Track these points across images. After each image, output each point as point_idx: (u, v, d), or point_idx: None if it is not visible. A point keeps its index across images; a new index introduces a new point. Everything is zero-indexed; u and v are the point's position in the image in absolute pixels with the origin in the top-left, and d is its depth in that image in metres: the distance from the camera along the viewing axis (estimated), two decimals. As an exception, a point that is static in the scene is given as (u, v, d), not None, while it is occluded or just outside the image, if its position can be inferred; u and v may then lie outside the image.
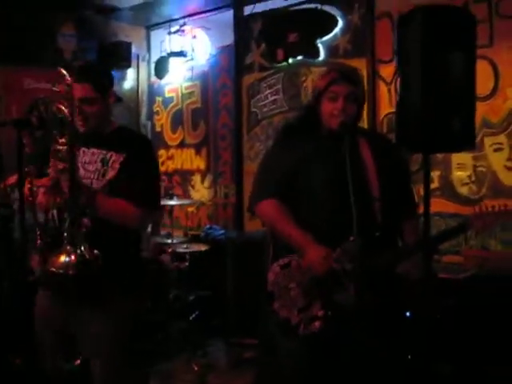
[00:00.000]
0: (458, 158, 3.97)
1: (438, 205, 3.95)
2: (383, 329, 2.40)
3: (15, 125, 2.02)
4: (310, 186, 2.40)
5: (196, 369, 4.07)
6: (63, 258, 2.04)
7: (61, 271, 2.04)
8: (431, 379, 2.80)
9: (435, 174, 4.05)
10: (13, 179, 3.05)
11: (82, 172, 2.39)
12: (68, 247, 2.05)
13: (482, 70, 3.57)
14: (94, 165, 2.43)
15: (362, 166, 2.38)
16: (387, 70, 4.30)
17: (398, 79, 2.69)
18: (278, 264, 2.40)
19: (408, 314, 3.30)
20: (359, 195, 2.19)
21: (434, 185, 4.03)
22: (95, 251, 2.13)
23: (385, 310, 2.38)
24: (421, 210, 2.82)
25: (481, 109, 3.62)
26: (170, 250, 4.37)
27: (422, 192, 2.47)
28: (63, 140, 2.15)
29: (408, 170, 2.66)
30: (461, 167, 3.99)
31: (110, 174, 2.41)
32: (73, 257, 2.05)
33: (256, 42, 5.25)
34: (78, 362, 2.39)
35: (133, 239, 2.56)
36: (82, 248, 2.07)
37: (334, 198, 2.36)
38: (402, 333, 3.13)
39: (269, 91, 5.14)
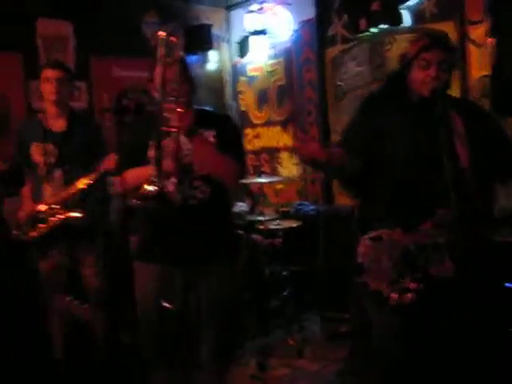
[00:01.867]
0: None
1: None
2: (480, 301, 2.33)
3: (115, 112, 2.11)
4: (399, 155, 2.35)
5: (292, 343, 4.12)
6: (146, 187, 2.14)
7: (139, 200, 2.14)
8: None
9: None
10: (108, 163, 3.20)
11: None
12: (152, 179, 2.16)
13: None
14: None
15: (452, 135, 2.30)
16: (478, 32, 4.09)
17: (491, 40, 2.58)
18: (369, 237, 2.38)
19: (508, 284, 3.19)
20: (450, 166, 2.12)
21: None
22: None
23: (482, 281, 2.31)
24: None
25: None
26: (262, 227, 4.42)
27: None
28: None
29: (503, 132, 2.51)
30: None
31: None
32: (155, 188, 2.14)
33: (337, 14, 5.15)
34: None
35: (227, 207, 2.81)
36: (163, 184, 2.20)
37: (424, 169, 2.31)
38: (502, 304, 3.04)
39: (353, 63, 5.05)
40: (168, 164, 2.26)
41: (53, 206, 3.31)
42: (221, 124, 2.65)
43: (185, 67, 2.53)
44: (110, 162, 3.19)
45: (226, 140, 2.58)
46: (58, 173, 3.38)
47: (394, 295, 2.29)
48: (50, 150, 3.39)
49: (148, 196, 2.16)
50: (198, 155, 2.49)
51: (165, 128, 2.24)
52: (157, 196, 2.17)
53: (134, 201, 2.26)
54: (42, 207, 3.33)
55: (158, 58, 2.24)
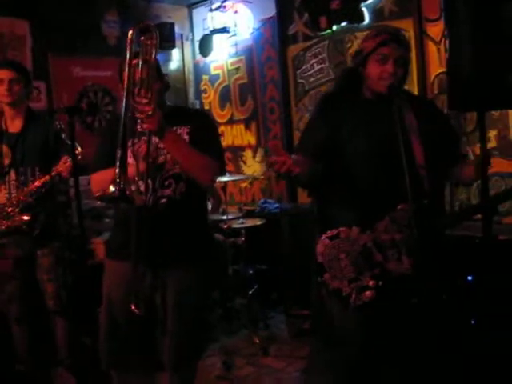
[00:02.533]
0: (515, 114, 3.82)
1: (497, 165, 3.80)
2: (441, 296, 2.35)
3: (67, 111, 2.07)
4: (357, 153, 2.35)
5: (257, 341, 4.12)
6: (110, 188, 2.12)
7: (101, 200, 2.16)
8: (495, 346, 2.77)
9: (492, 134, 3.92)
10: (61, 167, 3.13)
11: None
12: (116, 179, 2.13)
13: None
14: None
15: (407, 131, 2.32)
16: (435, 29, 4.15)
17: (448, 37, 2.61)
18: (327, 236, 2.38)
19: (470, 277, 3.25)
20: (407, 162, 2.14)
21: (492, 144, 3.89)
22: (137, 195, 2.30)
23: (441, 276, 2.34)
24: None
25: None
26: (225, 227, 4.40)
27: (478, 152, 2.42)
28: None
29: (449, 123, 2.58)
30: (519, 124, 3.84)
31: None
32: (116, 188, 2.13)
33: (298, 12, 5.16)
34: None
35: (202, 206, 2.77)
36: (126, 185, 2.16)
37: (382, 166, 2.32)
38: (461, 298, 3.09)
39: (314, 60, 5.07)
40: (140, 165, 2.26)
41: (5, 207, 3.23)
42: (196, 120, 2.61)
43: (157, 66, 2.48)
44: (64, 165, 3.12)
45: (202, 137, 2.53)
46: (12, 174, 3.30)
47: (354, 295, 2.31)
48: (5, 152, 3.31)
49: (111, 197, 2.13)
50: (171, 153, 2.46)
51: (136, 128, 2.21)
52: (120, 197, 2.13)
53: (99, 202, 2.22)
54: None
55: (126, 58, 2.20)
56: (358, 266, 2.32)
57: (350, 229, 2.34)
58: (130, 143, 2.37)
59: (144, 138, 2.42)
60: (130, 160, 2.37)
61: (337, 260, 2.34)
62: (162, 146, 2.46)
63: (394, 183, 2.23)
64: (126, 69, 2.20)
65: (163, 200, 2.49)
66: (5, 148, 3.31)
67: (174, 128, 2.50)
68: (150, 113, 2.20)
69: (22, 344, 3.49)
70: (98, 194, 2.19)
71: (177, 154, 2.44)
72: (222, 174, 2.74)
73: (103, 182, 2.29)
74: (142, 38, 2.25)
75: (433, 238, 2.23)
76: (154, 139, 2.39)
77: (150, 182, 2.46)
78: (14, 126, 3.37)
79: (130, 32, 2.20)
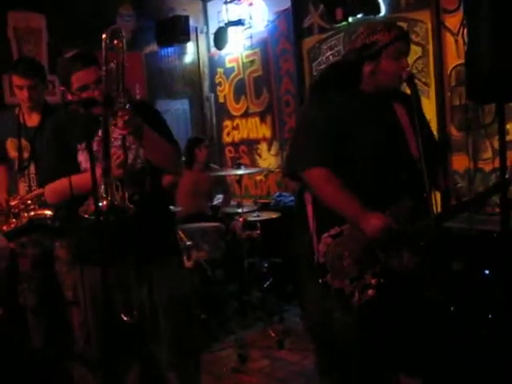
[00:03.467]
0: (534, 106, 3.76)
1: (515, 157, 3.78)
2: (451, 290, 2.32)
3: (83, 104, 2.07)
4: (361, 146, 2.30)
5: (273, 335, 4.12)
6: (95, 205, 2.04)
7: (92, 217, 2.06)
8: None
9: (511, 126, 3.87)
10: None
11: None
12: (100, 194, 2.07)
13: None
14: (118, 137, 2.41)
15: (402, 126, 2.31)
16: (453, 20, 4.10)
17: (466, 29, 2.58)
18: (330, 234, 2.31)
19: (487, 272, 3.22)
20: (408, 158, 2.13)
21: (510, 137, 3.85)
22: (127, 202, 2.18)
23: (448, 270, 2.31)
24: (496, 163, 2.74)
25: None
26: (241, 220, 4.40)
27: (496, 145, 2.40)
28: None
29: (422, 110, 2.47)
30: (538, 116, 3.79)
31: None
32: (105, 202, 2.07)
33: (313, 4, 5.13)
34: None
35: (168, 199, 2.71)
36: (113, 196, 2.09)
37: (386, 159, 2.29)
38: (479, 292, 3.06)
39: (330, 53, 5.04)
40: (118, 172, 2.18)
41: (26, 201, 3.26)
42: (143, 112, 2.47)
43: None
44: None
45: (154, 127, 2.44)
46: (31, 168, 3.34)
47: (357, 294, 2.27)
48: (24, 146, 3.34)
49: (101, 211, 2.08)
50: (145, 149, 2.40)
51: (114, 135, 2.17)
52: (109, 210, 2.07)
53: (87, 216, 2.14)
54: (15, 202, 3.28)
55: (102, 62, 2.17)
56: (361, 265, 2.28)
57: (353, 225, 2.28)
58: (83, 146, 2.32)
59: (97, 137, 2.30)
60: (87, 164, 2.30)
61: (339, 259, 2.28)
62: (132, 146, 2.42)
63: (397, 176, 2.24)
64: (104, 74, 2.15)
65: (135, 197, 2.40)
66: (24, 142, 3.34)
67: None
68: (128, 118, 2.15)
69: (37, 336, 3.51)
70: (84, 213, 2.12)
71: (151, 149, 2.38)
72: (181, 157, 2.74)
73: (62, 193, 2.26)
74: (116, 41, 2.21)
75: (433, 232, 2.17)
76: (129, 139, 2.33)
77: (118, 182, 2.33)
78: (32, 120, 3.39)
79: (104, 36, 2.17)
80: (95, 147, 2.20)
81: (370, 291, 2.26)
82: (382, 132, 2.30)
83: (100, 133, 2.21)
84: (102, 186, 2.07)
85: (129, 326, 2.40)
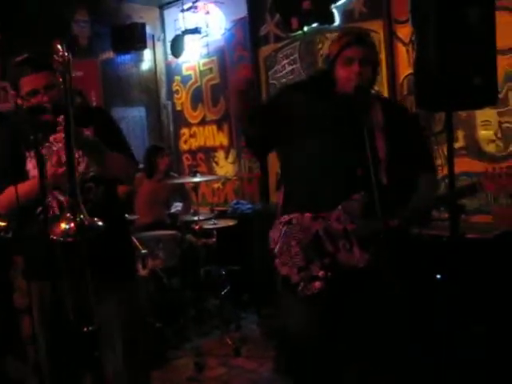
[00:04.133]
0: (482, 115, 3.86)
1: (464, 164, 3.87)
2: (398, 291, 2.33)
3: (31, 111, 2.04)
4: (314, 142, 2.37)
5: (230, 343, 4.11)
6: (63, 226, 2.00)
7: (61, 238, 2.02)
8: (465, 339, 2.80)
9: (460, 133, 3.97)
10: None
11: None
12: (68, 215, 2.04)
13: (505, 22, 3.45)
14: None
15: (372, 128, 2.34)
16: (405, 31, 4.20)
17: (415, 39, 2.65)
18: (280, 221, 2.39)
19: (439, 276, 3.28)
20: (366, 156, 2.16)
21: (459, 144, 3.95)
22: (96, 219, 2.13)
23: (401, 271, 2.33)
24: (445, 170, 2.80)
25: (504, 62, 3.52)
26: (197, 227, 4.39)
27: (446, 152, 2.46)
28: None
29: (420, 129, 2.62)
30: (486, 124, 3.90)
31: None
32: (72, 224, 2.04)
33: (270, 13, 5.18)
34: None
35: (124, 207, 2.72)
36: (82, 216, 2.06)
37: (339, 156, 2.35)
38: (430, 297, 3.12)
39: (286, 61, 5.08)
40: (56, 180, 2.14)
41: None
42: (98, 119, 2.51)
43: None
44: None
45: (109, 135, 2.45)
46: None
47: (302, 284, 2.30)
48: None
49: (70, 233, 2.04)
50: (93, 160, 2.37)
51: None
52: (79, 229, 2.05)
53: (56, 238, 2.09)
54: None
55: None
56: (308, 255, 2.32)
57: (302, 215, 2.35)
58: (32, 153, 2.26)
59: (47, 143, 2.27)
60: (35, 172, 2.26)
61: (288, 247, 2.34)
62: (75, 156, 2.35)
63: (350, 174, 2.29)
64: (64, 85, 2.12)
65: (87, 206, 2.30)
66: None
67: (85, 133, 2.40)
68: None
69: None
70: (55, 236, 2.07)
71: (96, 162, 2.36)
72: (137, 167, 2.74)
73: (9, 203, 2.20)
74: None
75: (385, 233, 2.20)
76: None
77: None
78: None
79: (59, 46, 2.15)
80: (44, 153, 2.14)
81: (317, 283, 2.29)
82: (334, 131, 2.35)
83: (51, 139, 2.19)
84: (67, 207, 2.02)
85: (79, 336, 2.36)
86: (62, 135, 2.08)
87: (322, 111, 2.39)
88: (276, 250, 2.37)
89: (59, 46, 2.03)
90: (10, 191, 2.24)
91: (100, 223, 2.11)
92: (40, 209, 1.97)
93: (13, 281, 3.38)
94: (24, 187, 2.21)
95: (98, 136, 2.42)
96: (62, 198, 2.34)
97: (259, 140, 2.45)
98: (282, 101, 2.47)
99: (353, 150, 2.26)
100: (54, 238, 2.00)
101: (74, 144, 2.06)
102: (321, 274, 2.29)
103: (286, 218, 2.38)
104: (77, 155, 2.31)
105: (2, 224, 3.16)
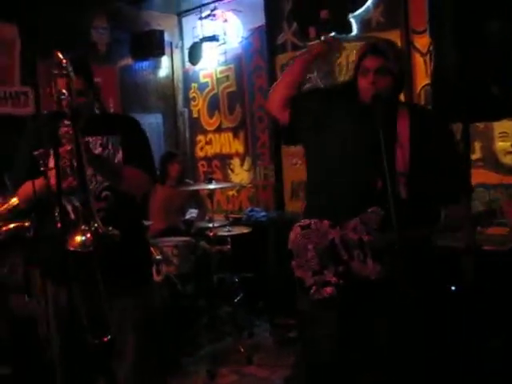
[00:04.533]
0: (500, 126, 3.85)
1: (481, 176, 3.85)
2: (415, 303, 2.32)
3: (50, 117, 2.06)
4: (335, 148, 2.40)
5: (242, 350, 4.11)
6: (79, 238, 2.03)
7: (79, 249, 2.04)
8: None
9: (477, 145, 3.95)
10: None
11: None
12: (82, 226, 2.05)
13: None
14: (95, 151, 2.42)
15: (394, 139, 2.33)
16: (422, 41, 4.19)
17: (433, 49, 2.64)
18: (299, 224, 2.44)
19: (453, 287, 3.26)
20: (385, 168, 2.15)
21: (476, 155, 3.93)
22: (110, 228, 2.15)
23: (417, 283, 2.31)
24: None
25: (522, 74, 3.50)
26: (211, 234, 4.40)
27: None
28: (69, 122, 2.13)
29: (452, 142, 2.51)
30: (503, 136, 3.88)
31: (118, 156, 2.47)
32: (88, 235, 2.05)
33: (287, 22, 5.21)
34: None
35: (137, 219, 2.73)
36: (96, 225, 2.07)
37: (358, 166, 2.36)
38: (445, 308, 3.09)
39: (303, 70, 5.09)
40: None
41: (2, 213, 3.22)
42: (126, 128, 2.54)
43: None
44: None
45: (133, 146, 2.48)
46: None
47: (315, 287, 2.35)
48: None
49: (87, 244, 2.04)
50: (105, 177, 2.41)
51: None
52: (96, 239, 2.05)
53: (73, 249, 2.10)
54: None
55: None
56: (323, 260, 2.36)
57: (321, 221, 2.39)
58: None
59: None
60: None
61: (305, 250, 2.39)
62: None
63: (368, 186, 2.30)
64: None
65: (101, 213, 2.31)
66: None
67: (105, 137, 2.45)
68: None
69: None
70: (73, 248, 2.05)
71: (107, 178, 2.39)
72: (154, 183, 2.75)
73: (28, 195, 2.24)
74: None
75: (402, 246, 2.19)
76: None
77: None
78: None
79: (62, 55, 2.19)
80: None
81: (329, 289, 2.33)
82: (355, 139, 2.36)
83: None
84: (82, 218, 2.04)
85: (93, 344, 2.38)
86: (68, 148, 2.11)
87: (344, 119, 2.42)
88: (293, 252, 2.43)
89: (60, 55, 2.07)
90: (26, 186, 2.32)
91: (115, 231, 2.14)
92: (57, 211, 1.98)
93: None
94: (39, 182, 2.22)
95: (123, 144, 2.47)
96: (77, 204, 2.35)
97: (289, 130, 2.54)
98: (312, 104, 2.53)
99: (372, 162, 2.26)
100: (73, 249, 2.03)
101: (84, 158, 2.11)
102: (333, 280, 2.34)
103: (306, 221, 2.42)
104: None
105: (27, 224, 3.21)
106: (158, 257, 4.16)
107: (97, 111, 2.61)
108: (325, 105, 2.48)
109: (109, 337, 2.35)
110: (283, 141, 2.76)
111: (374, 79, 2.30)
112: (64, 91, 2.13)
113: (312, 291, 2.36)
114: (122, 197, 2.46)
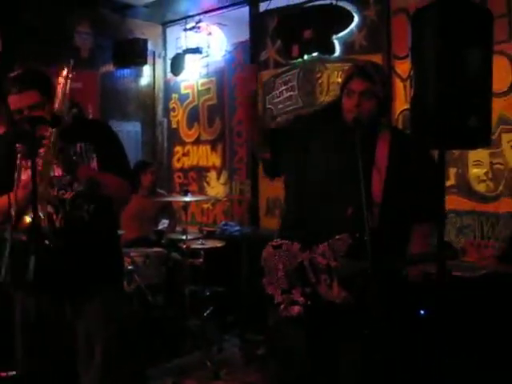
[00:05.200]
0: (474, 154, 3.92)
1: (454, 202, 3.92)
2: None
3: (29, 121, 2.03)
4: (312, 178, 2.44)
5: (209, 365, 4.07)
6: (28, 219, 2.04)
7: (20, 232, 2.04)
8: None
9: (451, 171, 4.01)
10: None
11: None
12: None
13: (500, 65, 3.52)
14: None
15: (371, 165, 2.35)
16: (403, 66, 4.26)
17: (413, 75, 2.68)
18: (272, 244, 2.49)
19: (422, 312, 3.28)
20: (359, 196, 2.16)
21: (450, 182, 3.99)
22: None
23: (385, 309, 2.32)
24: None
25: (498, 105, 3.57)
26: (184, 246, 4.37)
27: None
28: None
29: (433, 174, 2.43)
30: (477, 164, 3.95)
31: (92, 164, 2.44)
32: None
33: (271, 39, 5.24)
34: None
35: (115, 226, 2.74)
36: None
37: (332, 194, 2.39)
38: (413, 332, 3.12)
39: (284, 87, 5.13)
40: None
41: None
42: (100, 135, 2.52)
43: None
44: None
45: (109, 154, 2.46)
46: None
47: (283, 305, 2.40)
48: None
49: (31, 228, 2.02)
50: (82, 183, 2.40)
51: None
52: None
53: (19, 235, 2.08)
54: None
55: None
56: (291, 280, 2.41)
57: (292, 243, 2.44)
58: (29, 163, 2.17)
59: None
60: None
61: (275, 269, 2.45)
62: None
63: (339, 212, 2.32)
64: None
65: (75, 221, 2.37)
66: None
67: (78, 145, 2.41)
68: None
69: None
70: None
71: (89, 185, 2.37)
72: (134, 190, 2.77)
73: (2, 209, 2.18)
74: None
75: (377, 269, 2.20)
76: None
77: (58, 203, 2.35)
78: None
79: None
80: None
81: (297, 308, 2.38)
82: (335, 164, 2.39)
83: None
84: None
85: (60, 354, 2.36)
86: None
87: (324, 143, 2.44)
88: (265, 269, 2.49)
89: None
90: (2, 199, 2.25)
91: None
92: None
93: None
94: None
95: (97, 152, 2.43)
96: (51, 210, 2.34)
97: (272, 164, 2.58)
98: (295, 130, 2.57)
99: (346, 189, 2.30)
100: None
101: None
102: (301, 300, 2.38)
103: (278, 241, 2.47)
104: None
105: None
106: (130, 267, 4.13)
107: (66, 118, 2.56)
108: (305, 134, 2.50)
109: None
110: (263, 172, 2.77)
111: (358, 102, 2.33)
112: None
113: (281, 308, 2.41)
114: (99, 205, 2.43)
